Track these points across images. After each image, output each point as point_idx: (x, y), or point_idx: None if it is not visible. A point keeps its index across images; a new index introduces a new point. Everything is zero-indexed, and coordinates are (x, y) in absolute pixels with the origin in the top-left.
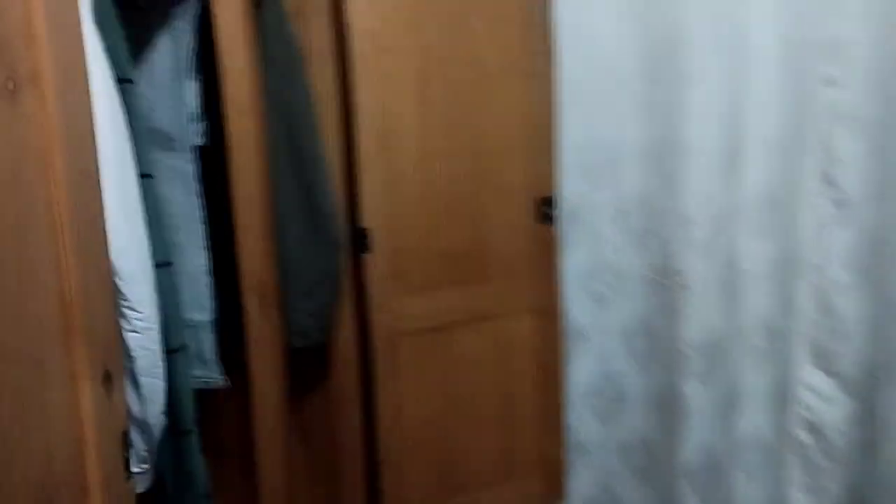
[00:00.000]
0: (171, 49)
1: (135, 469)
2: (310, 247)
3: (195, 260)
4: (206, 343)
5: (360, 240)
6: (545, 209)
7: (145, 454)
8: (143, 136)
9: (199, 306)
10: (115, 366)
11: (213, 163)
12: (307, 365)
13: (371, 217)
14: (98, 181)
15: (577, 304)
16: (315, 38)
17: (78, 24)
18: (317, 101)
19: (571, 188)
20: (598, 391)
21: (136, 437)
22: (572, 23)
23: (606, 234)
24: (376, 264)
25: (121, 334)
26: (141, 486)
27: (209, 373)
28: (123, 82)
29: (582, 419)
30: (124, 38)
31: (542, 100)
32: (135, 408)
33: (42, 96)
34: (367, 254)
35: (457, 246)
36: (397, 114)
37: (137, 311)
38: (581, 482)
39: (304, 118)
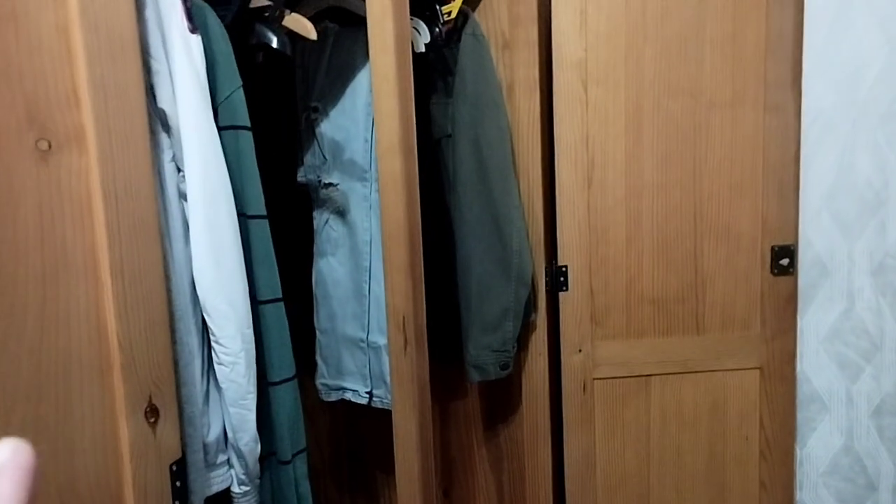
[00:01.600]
0: (368, 84)
1: (235, 490)
2: (494, 283)
3: (382, 286)
4: (386, 366)
5: (557, 278)
6: (780, 258)
7: (244, 477)
8: (336, 164)
9: (383, 330)
10: (165, 401)
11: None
12: (505, 395)
13: (569, 255)
14: (154, 229)
15: (818, 369)
16: (523, 69)
17: (135, 85)
18: (517, 134)
19: (818, 237)
20: (842, 472)
21: (234, 461)
22: (823, 45)
23: (861, 291)
24: (572, 304)
25: (176, 371)
26: None
27: (388, 394)
28: (240, 129)
29: (821, 501)
30: (242, 86)
31: (780, 135)
32: (229, 435)
33: (85, 154)
34: (563, 292)
35: (667, 291)
36: (604, 148)
37: (223, 346)
38: None
39: (496, 152)
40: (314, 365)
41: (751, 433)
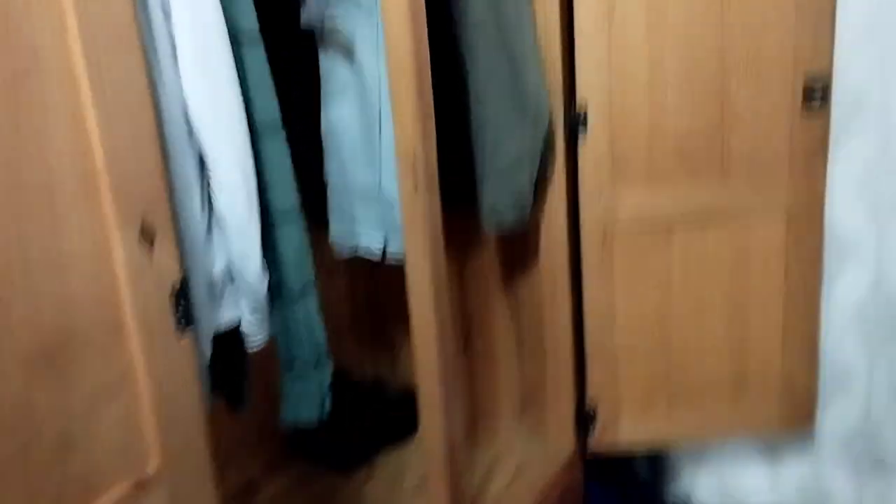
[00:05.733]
0: None
1: (245, 324)
2: (510, 126)
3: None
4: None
5: (575, 119)
6: (813, 93)
7: (253, 311)
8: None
9: (396, 179)
10: (160, 220)
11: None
12: (522, 246)
13: (588, 94)
14: (134, 40)
15: (849, 211)
16: None
17: None
18: None
19: (855, 68)
20: (871, 316)
21: (241, 295)
22: None
23: None
24: (592, 147)
25: (172, 196)
26: (256, 341)
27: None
28: None
29: (846, 346)
30: None
31: None
32: (235, 267)
33: None
34: (582, 136)
35: (691, 133)
36: None
37: (221, 173)
38: (838, 418)
39: None
40: (327, 221)
41: (776, 281)
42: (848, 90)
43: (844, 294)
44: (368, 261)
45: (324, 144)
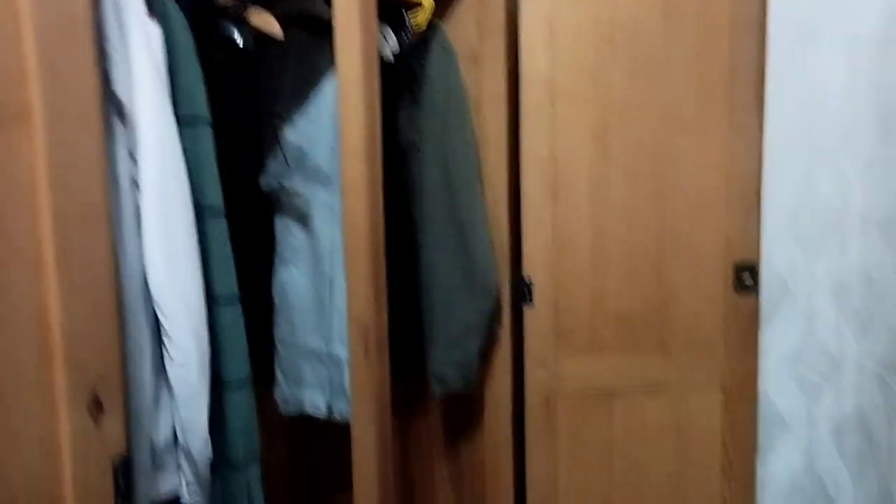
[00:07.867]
0: (334, 90)
1: (184, 496)
2: (459, 295)
3: (345, 296)
4: (347, 378)
5: (521, 292)
6: (744, 277)
7: (194, 482)
8: (299, 170)
9: (344, 342)
10: (111, 395)
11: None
12: (466, 410)
13: (534, 269)
14: (103, 217)
15: (780, 389)
16: (490, 84)
17: (88, 67)
18: (483, 147)
19: (780, 256)
20: (802, 490)
21: (183, 465)
22: (787, 69)
23: (822, 311)
24: (537, 318)
25: (123, 363)
26: None
27: (348, 407)
28: (199, 121)
29: None
30: (202, 78)
31: (744, 156)
32: (180, 437)
33: (30, 133)
34: (528, 307)
35: (632, 308)
36: (570, 163)
37: (176, 344)
38: None
39: (462, 163)
40: (273, 376)
41: (713, 452)
42: (775, 274)
43: (777, 468)
44: (307, 425)
45: (275, 304)
